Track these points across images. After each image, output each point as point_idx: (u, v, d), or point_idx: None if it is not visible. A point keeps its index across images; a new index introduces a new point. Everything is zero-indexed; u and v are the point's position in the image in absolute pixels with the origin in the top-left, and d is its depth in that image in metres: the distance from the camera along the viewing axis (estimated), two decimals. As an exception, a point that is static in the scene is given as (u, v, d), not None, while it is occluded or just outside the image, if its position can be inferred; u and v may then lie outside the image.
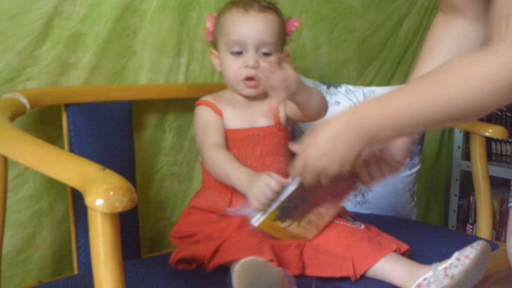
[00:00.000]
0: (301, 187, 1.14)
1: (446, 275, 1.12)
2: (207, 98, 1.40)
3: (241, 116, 1.39)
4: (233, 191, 1.32)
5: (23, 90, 1.27)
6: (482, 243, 1.17)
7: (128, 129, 1.46)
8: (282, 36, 1.39)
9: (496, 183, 2.43)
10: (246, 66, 1.33)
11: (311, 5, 1.90)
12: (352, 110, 1.03)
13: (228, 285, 1.06)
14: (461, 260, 1.13)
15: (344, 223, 1.29)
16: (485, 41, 0.88)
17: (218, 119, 1.36)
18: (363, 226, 1.30)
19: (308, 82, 1.78)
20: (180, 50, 1.58)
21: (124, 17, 1.45)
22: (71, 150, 1.33)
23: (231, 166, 1.27)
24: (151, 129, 1.57)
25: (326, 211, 1.26)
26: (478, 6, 1.17)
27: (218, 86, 1.52)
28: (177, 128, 1.62)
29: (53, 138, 1.37)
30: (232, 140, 1.36)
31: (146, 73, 1.53)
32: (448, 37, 1.19)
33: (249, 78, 1.35)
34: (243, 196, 1.26)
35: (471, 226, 2.51)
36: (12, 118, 1.15)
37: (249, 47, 1.33)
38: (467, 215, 2.56)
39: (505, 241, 1.21)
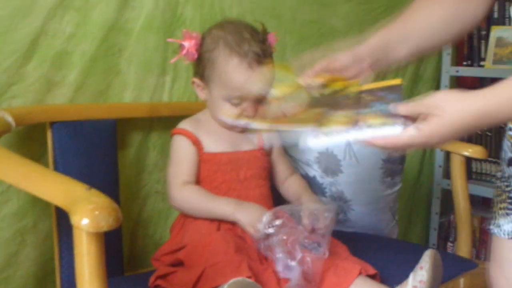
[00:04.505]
0: None
1: None
2: (184, 125, 1.39)
3: (224, 139, 1.39)
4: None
5: (9, 108, 1.28)
6: (429, 261, 1.16)
7: (113, 147, 1.46)
8: None
9: (476, 202, 2.46)
10: (246, 116, 1.33)
11: (295, 25, 1.93)
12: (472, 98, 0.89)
13: None
14: (418, 286, 1.14)
15: (308, 254, 1.25)
16: None
17: (193, 152, 1.36)
18: (327, 254, 1.26)
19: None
20: (165, 68, 1.60)
21: (110, 36, 1.46)
22: (56, 167, 1.34)
23: (209, 198, 1.31)
24: (135, 147, 1.58)
25: None
26: None
27: (202, 105, 1.52)
28: (161, 146, 1.62)
29: (38, 156, 1.37)
30: (216, 164, 1.36)
31: (131, 91, 1.54)
32: None
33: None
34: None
35: (452, 244, 2.53)
36: (-3, 136, 1.16)
37: (249, 99, 1.33)
38: (448, 233, 2.58)
39: (484, 259, 1.23)
